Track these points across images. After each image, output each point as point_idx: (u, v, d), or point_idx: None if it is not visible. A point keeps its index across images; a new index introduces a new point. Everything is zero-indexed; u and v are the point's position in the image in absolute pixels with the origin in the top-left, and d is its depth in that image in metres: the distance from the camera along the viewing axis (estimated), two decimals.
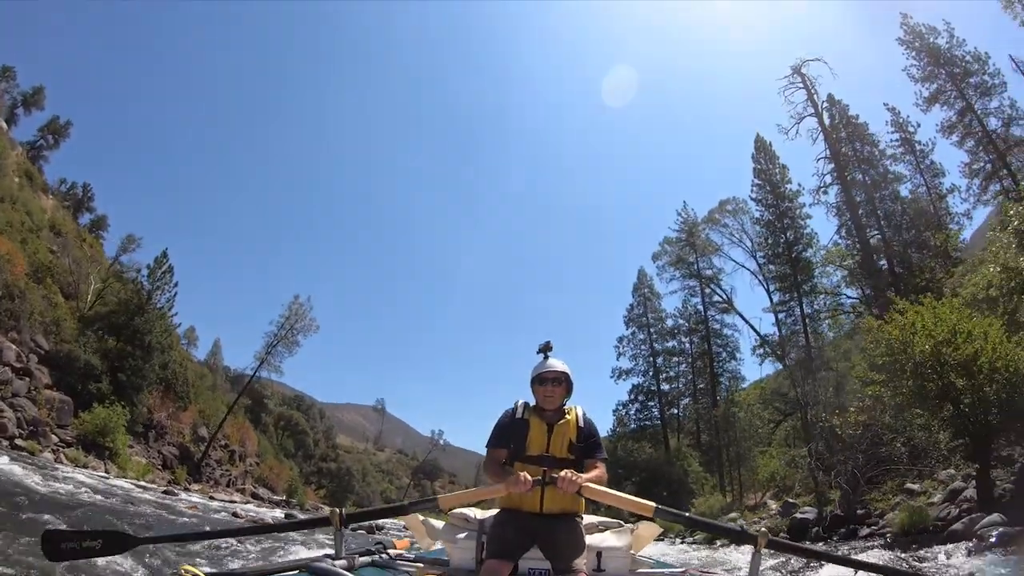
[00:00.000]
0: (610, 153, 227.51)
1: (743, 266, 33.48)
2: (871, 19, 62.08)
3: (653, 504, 2.84)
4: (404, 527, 4.48)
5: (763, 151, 31.64)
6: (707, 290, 35.71)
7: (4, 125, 42.42)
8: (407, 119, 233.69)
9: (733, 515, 20.51)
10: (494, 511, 3.33)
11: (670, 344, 38.68)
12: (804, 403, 17.52)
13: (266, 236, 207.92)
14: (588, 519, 3.30)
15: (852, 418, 13.69)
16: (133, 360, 27.91)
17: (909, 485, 12.87)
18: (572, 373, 3.38)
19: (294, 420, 60.07)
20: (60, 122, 52.23)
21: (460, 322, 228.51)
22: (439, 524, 3.43)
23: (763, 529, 2.74)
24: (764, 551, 2.57)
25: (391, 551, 3.48)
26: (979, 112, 26.09)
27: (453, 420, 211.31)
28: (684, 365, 39.36)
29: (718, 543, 15.82)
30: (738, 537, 2.80)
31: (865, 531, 12.02)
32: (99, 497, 12.73)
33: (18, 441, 21.57)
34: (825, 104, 28.67)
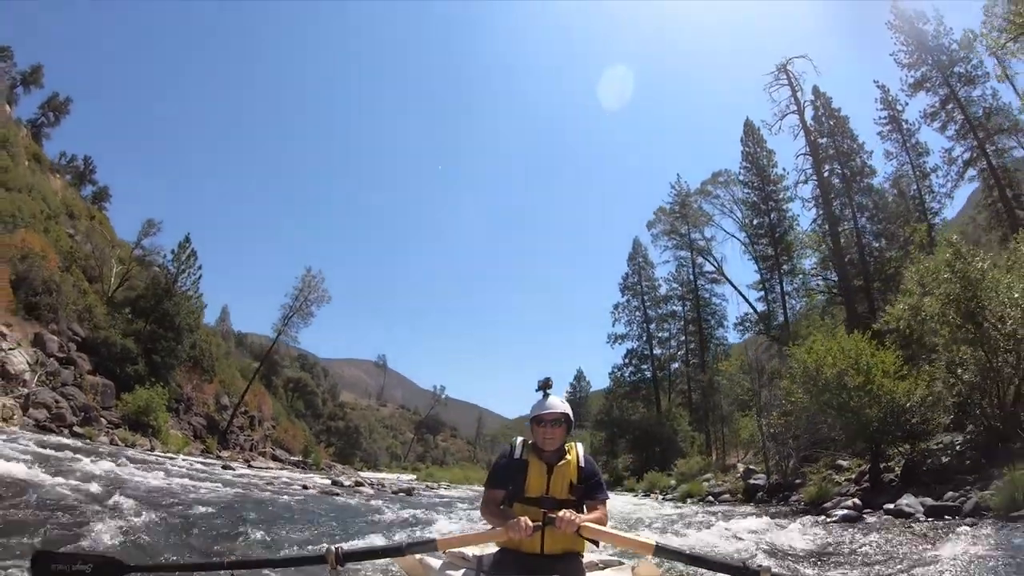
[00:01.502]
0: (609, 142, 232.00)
1: (734, 236, 37.38)
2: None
3: (653, 543, 2.95)
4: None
5: (751, 135, 35.15)
6: (698, 260, 39.87)
7: (8, 109, 44.67)
8: (399, 88, 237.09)
9: (708, 475, 24.87)
10: (492, 550, 3.48)
11: (663, 311, 43.09)
12: (758, 388, 21.63)
13: (263, 195, 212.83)
14: (588, 557, 3.44)
15: (775, 419, 18.28)
16: (166, 342, 31.66)
17: (840, 462, 17.03)
18: (571, 412, 3.49)
19: (303, 382, 64.46)
20: (60, 99, 54.53)
21: (457, 278, 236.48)
22: (436, 563, 3.53)
23: (767, 564, 2.76)
24: None
25: None
26: (962, 100, 28.29)
27: (453, 374, 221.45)
28: (676, 328, 43.51)
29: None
30: (740, 573, 2.70)
31: (793, 497, 16.28)
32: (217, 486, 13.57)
33: (76, 428, 24.73)
34: (810, 99, 31.85)
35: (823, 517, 11.53)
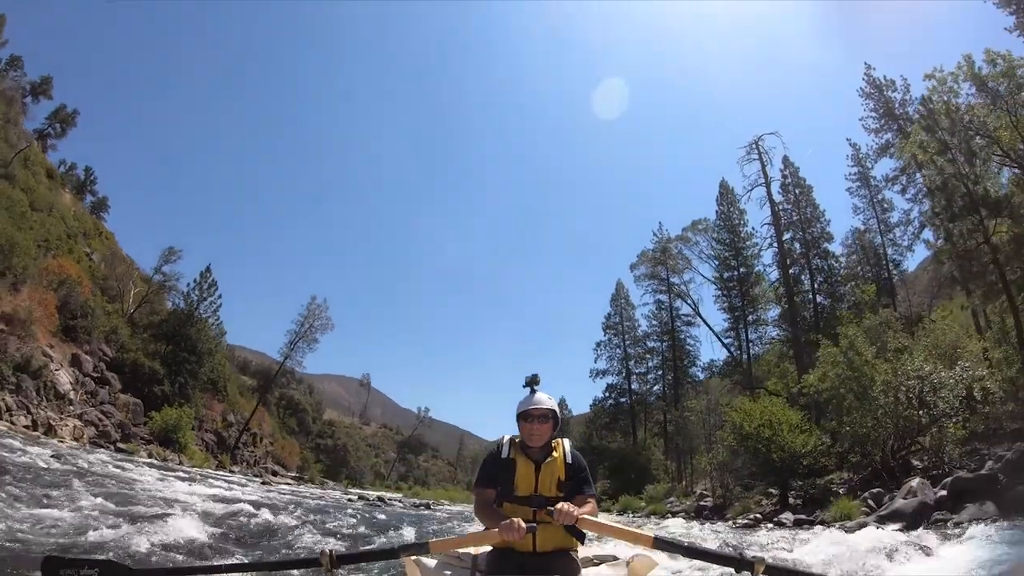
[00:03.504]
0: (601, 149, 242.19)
1: (710, 280, 44.09)
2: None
3: (652, 535, 3.14)
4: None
5: (726, 195, 41.98)
6: (675, 303, 46.59)
7: (28, 131, 49.45)
8: (387, 104, 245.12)
9: (671, 498, 31.34)
10: (486, 548, 3.64)
11: (642, 348, 49.99)
12: (709, 430, 28.40)
13: (256, 212, 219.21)
14: (583, 552, 3.63)
15: (714, 457, 24.83)
16: (189, 365, 37.51)
17: (770, 490, 23.44)
18: (558, 408, 3.74)
19: (295, 399, 69.84)
20: (67, 110, 58.71)
21: (442, 299, 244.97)
22: (432, 563, 3.70)
23: (762, 555, 2.86)
24: None
25: None
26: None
27: (436, 395, 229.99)
28: (654, 363, 50.47)
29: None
30: (736, 564, 2.85)
31: (728, 514, 22.63)
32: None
33: (120, 444, 30.27)
34: (780, 168, 38.98)
35: (731, 524, 17.93)
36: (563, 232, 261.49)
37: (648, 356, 50.23)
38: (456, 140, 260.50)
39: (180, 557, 6.56)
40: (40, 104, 56.38)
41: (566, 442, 3.77)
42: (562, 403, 64.26)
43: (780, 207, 37.73)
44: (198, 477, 21.53)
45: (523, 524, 3.13)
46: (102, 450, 26.45)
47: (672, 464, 42.23)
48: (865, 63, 38.48)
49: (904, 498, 13.62)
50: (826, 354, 20.32)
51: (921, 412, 17.02)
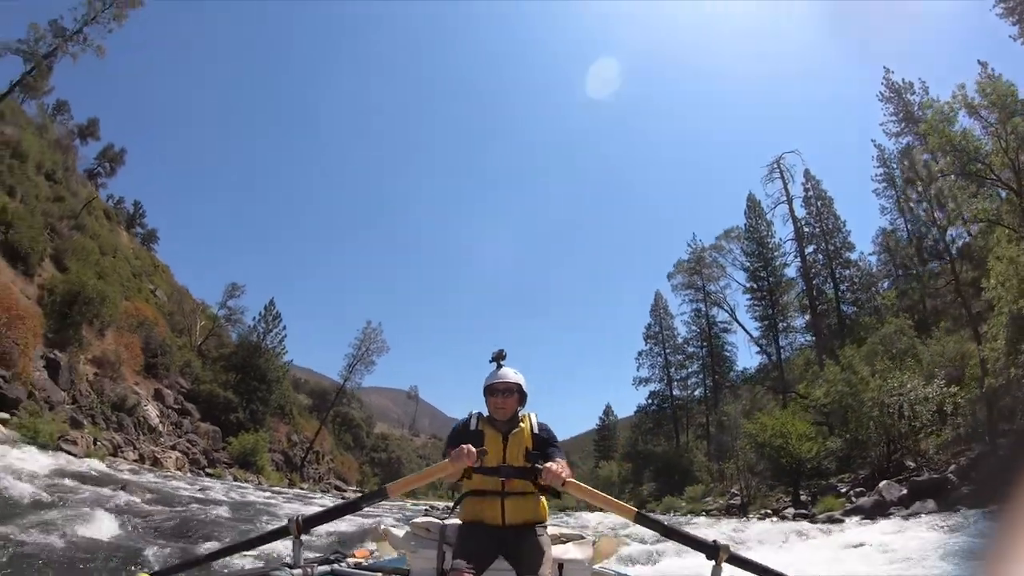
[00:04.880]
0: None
1: (743, 286, 48.70)
2: None
3: (635, 509, 3.43)
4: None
5: (753, 208, 46.50)
6: (712, 311, 51.55)
7: (84, 176, 55.13)
8: (423, 119, 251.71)
9: (708, 498, 36.17)
10: (456, 521, 3.90)
11: (682, 356, 54.91)
12: (735, 437, 33.19)
13: (302, 235, 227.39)
14: (551, 530, 3.92)
15: (737, 462, 29.58)
16: (260, 392, 43.29)
17: (789, 488, 28.22)
18: (525, 382, 3.99)
19: (350, 415, 75.49)
20: (115, 149, 65.05)
21: (489, 310, 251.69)
22: (400, 533, 3.98)
23: (725, 543, 3.17)
24: (724, 564, 3.13)
25: (350, 559, 4.04)
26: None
27: (482, 403, 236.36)
28: (694, 367, 55.36)
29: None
30: (704, 549, 3.19)
31: (751, 510, 27.39)
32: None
33: (208, 470, 35.74)
34: (803, 182, 43.41)
35: (745, 519, 22.87)
36: (603, 237, 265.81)
37: (688, 362, 55.23)
38: (488, 153, 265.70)
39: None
40: (88, 145, 61.27)
41: (533, 415, 4.03)
42: (607, 410, 69.40)
43: (803, 220, 42.30)
44: (294, 496, 26.64)
45: (473, 449, 3.43)
46: (209, 478, 31.74)
47: (714, 465, 46.94)
48: (884, 67, 43.11)
49: (868, 496, 18.41)
50: (829, 372, 25.07)
51: (902, 423, 21.70)
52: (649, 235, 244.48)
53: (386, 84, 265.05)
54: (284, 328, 47.74)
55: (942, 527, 13.09)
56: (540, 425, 3.99)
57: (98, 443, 26.94)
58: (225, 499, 18.31)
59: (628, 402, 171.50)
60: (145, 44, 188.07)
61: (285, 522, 3.33)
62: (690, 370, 55.21)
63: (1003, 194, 27.20)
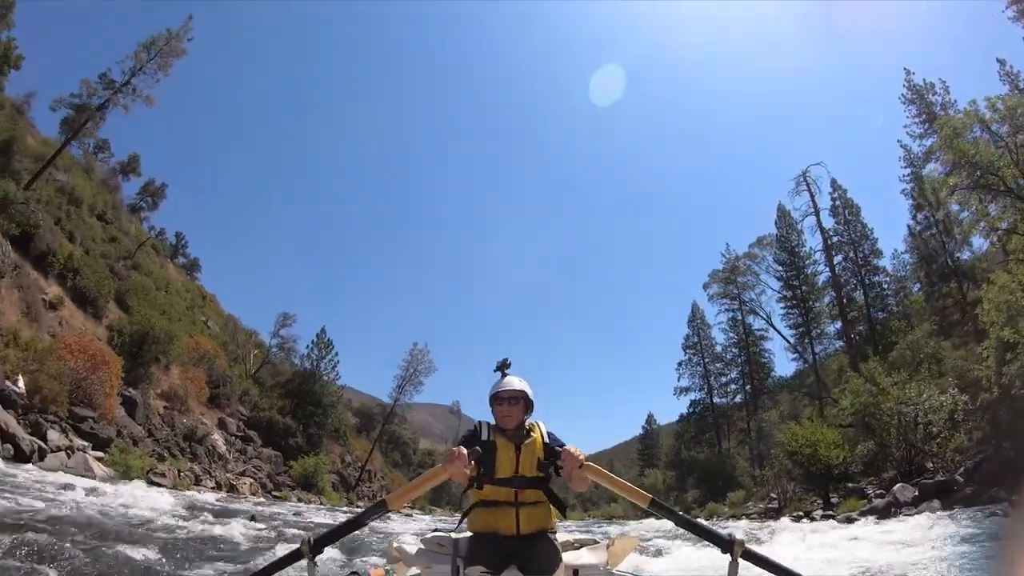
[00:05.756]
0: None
1: (778, 292, 51.75)
2: None
3: (649, 496, 3.55)
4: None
5: (783, 218, 49.62)
6: (748, 319, 54.60)
7: (128, 211, 59.29)
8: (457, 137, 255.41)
9: (748, 503, 39.28)
10: (467, 534, 4.04)
11: (720, 365, 58.01)
12: (770, 445, 36.33)
13: (344, 258, 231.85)
14: (563, 536, 4.10)
15: (772, 467, 32.78)
16: (317, 417, 47.28)
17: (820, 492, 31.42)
18: (531, 390, 4.12)
19: (397, 434, 79.44)
20: (155, 184, 68.26)
21: (517, 318, 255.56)
22: (412, 550, 4.09)
23: (742, 538, 3.19)
24: (740, 560, 3.16)
25: None
26: None
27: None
28: (733, 374, 58.53)
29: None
30: (720, 543, 3.22)
31: (784, 513, 30.54)
32: None
33: (275, 493, 39.26)
34: (829, 191, 46.33)
35: (779, 521, 26.13)
36: (634, 244, 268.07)
37: (727, 369, 58.50)
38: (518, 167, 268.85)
39: None
40: (130, 181, 64.49)
41: (542, 424, 4.17)
42: (649, 418, 72.54)
43: (832, 230, 45.42)
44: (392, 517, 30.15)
45: (464, 451, 3.51)
46: (278, 501, 35.20)
47: (755, 471, 49.97)
48: (905, 69, 45.09)
49: (884, 498, 21.61)
50: (853, 383, 28.26)
51: (918, 430, 24.87)
52: (684, 237, 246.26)
53: (421, 106, 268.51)
54: (336, 355, 51.82)
55: (929, 525, 15.72)
56: (549, 435, 4.13)
57: (182, 474, 30.07)
58: (326, 520, 21.71)
59: (669, 408, 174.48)
60: (180, 76, 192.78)
61: (298, 544, 3.36)
62: (729, 376, 58.51)
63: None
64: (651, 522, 26.54)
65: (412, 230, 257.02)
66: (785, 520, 26.26)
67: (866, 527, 17.78)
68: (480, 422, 4.19)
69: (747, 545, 3.24)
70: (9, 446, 19.26)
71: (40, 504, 11.68)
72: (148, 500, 16.94)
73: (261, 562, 8.18)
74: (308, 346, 52.22)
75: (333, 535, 3.65)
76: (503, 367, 4.28)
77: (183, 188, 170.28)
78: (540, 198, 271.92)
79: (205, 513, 15.93)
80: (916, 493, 21.32)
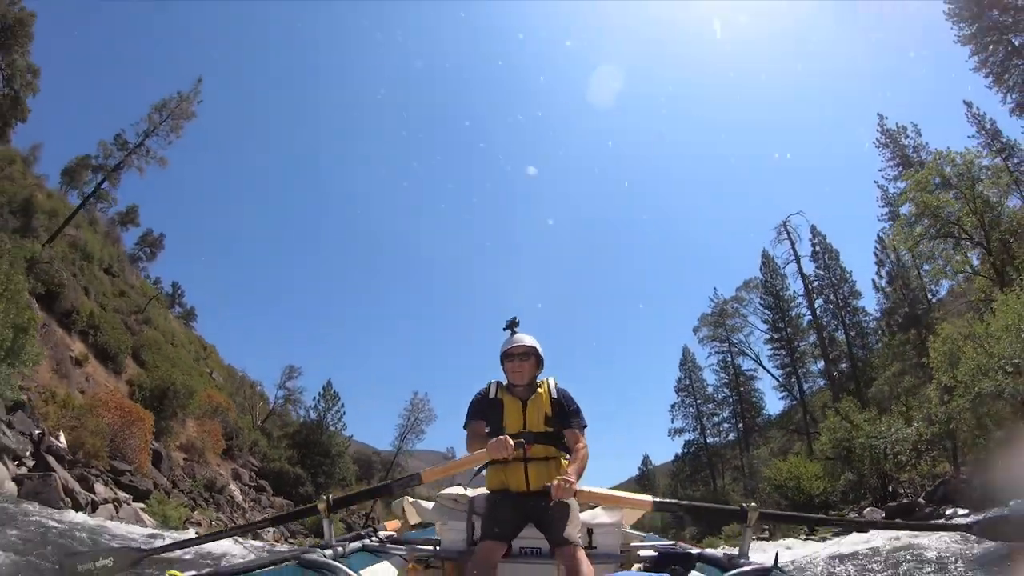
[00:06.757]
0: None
1: (764, 332, 55.88)
2: None
3: (651, 498, 3.86)
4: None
5: (768, 264, 54.08)
6: (737, 360, 58.63)
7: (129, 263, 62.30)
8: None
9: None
10: (482, 490, 4.25)
11: (712, 406, 62.23)
12: (758, 480, 40.08)
13: (341, 315, 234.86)
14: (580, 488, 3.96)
15: (759, 499, 36.41)
16: (325, 467, 50.34)
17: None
18: (540, 346, 4.32)
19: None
20: (154, 234, 70.21)
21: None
22: (428, 505, 4.35)
23: (753, 504, 3.50)
24: (755, 525, 3.51)
25: (381, 534, 4.44)
26: None
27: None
28: (725, 413, 62.67)
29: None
30: (732, 514, 3.60)
31: (775, 540, 34.06)
32: None
33: (290, 540, 41.61)
34: (810, 238, 50.89)
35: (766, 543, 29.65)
36: (630, 277, 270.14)
37: (719, 410, 62.53)
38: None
39: None
40: (128, 231, 65.77)
41: (552, 379, 4.34)
42: (645, 459, 75.85)
43: (812, 275, 49.88)
44: None
45: (511, 441, 3.67)
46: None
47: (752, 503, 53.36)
48: (878, 114, 49.53)
49: None
50: (829, 421, 32.13)
51: (889, 460, 28.66)
52: (676, 285, 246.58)
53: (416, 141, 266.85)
54: (343, 405, 55.43)
55: (874, 541, 19.25)
56: (559, 390, 4.28)
57: (213, 523, 32.30)
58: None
59: (664, 449, 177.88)
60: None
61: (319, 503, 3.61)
62: (722, 416, 62.58)
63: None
64: None
65: (397, 285, 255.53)
66: (771, 543, 29.73)
67: (826, 544, 21.15)
68: (491, 381, 4.44)
69: (760, 509, 3.57)
70: (67, 499, 20.77)
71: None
72: (220, 548, 18.58)
73: None
74: (315, 398, 55.60)
75: (354, 498, 4.17)
76: (512, 325, 4.44)
77: (180, 239, 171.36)
78: (535, 240, 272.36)
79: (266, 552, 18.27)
80: (883, 515, 24.89)
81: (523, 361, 4.28)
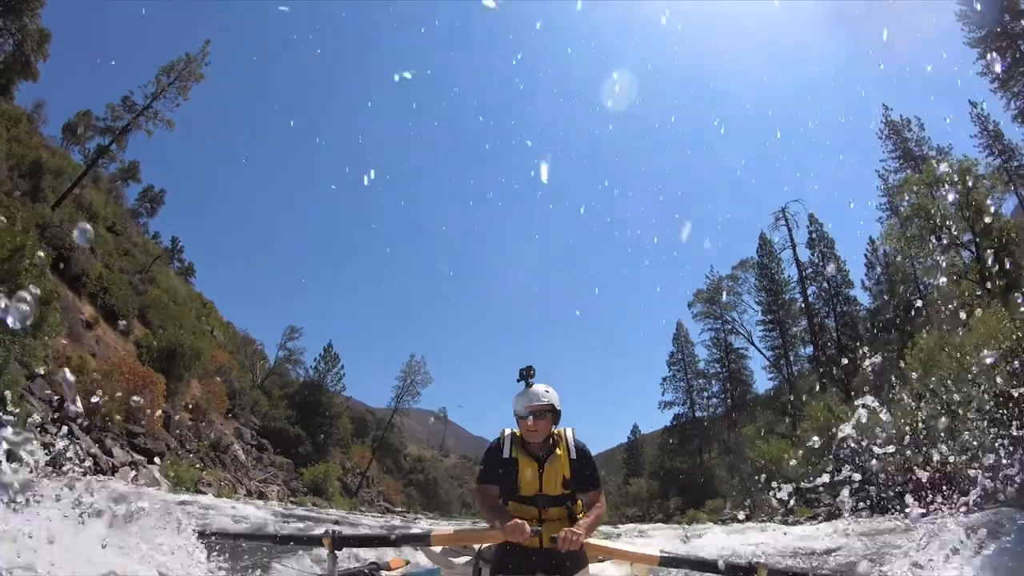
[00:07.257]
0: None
1: (756, 311, 57.91)
2: None
3: (658, 554, 3.69)
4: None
5: (765, 247, 55.75)
6: (729, 337, 60.72)
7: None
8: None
9: (726, 510, 44.93)
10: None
11: (702, 381, 64.43)
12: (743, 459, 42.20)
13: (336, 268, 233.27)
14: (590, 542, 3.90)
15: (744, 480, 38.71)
16: (324, 427, 52.40)
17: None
18: (558, 400, 4.08)
19: (389, 440, 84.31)
20: (155, 190, 69.01)
21: (502, 327, 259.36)
22: (437, 549, 4.20)
23: (762, 561, 3.42)
24: None
25: (384, 572, 4.23)
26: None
27: (508, 420, 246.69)
28: (715, 388, 64.75)
29: None
30: (743, 571, 3.46)
31: (754, 520, 36.27)
32: None
33: (292, 499, 42.90)
34: (808, 225, 52.72)
35: (746, 524, 31.81)
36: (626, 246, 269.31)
37: (709, 384, 64.54)
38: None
39: None
40: (129, 187, 64.71)
41: (569, 433, 4.17)
42: (635, 429, 78.11)
43: (808, 262, 52.10)
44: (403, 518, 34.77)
45: (527, 528, 3.58)
46: (295, 506, 38.66)
47: (736, 479, 55.73)
48: (883, 104, 50.91)
49: (829, 507, 27.30)
50: (810, 409, 34.00)
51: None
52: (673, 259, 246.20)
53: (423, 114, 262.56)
54: (343, 367, 57.42)
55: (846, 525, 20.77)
56: (578, 447, 4.16)
57: (221, 483, 33.99)
58: (374, 523, 25.61)
59: (653, 419, 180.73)
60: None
61: (321, 532, 3.59)
62: (711, 391, 64.65)
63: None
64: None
65: (408, 242, 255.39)
66: (748, 524, 31.65)
67: (797, 528, 23.11)
68: (504, 433, 4.25)
69: (769, 566, 3.54)
70: (89, 463, 20.53)
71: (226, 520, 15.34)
72: (245, 511, 20.13)
73: None
74: (316, 359, 57.63)
75: (360, 541, 4.04)
76: (527, 376, 4.18)
77: (181, 194, 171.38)
78: (536, 214, 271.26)
79: (295, 520, 19.45)
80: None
81: (539, 420, 4.05)
